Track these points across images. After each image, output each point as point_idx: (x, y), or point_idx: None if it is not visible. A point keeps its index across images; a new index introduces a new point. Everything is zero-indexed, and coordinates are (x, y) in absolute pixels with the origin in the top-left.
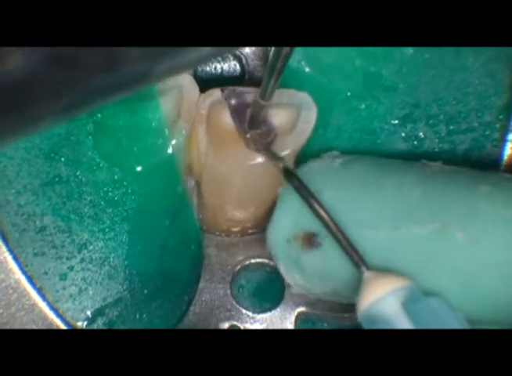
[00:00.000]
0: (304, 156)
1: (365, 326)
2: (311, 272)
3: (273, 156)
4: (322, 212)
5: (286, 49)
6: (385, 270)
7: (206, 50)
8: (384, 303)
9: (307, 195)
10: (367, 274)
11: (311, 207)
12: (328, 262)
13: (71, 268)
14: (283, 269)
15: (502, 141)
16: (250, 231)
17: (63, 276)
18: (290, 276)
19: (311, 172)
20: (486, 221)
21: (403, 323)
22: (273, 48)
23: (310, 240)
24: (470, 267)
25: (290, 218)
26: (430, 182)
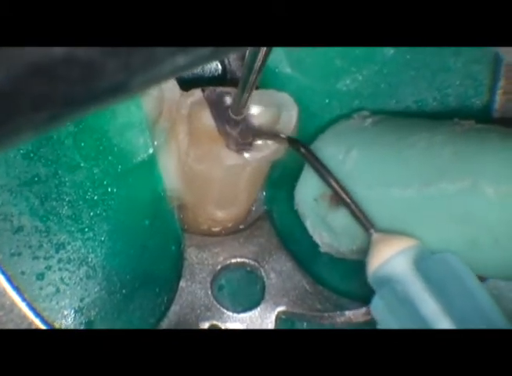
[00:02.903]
0: (284, 156)
1: (376, 288)
2: (338, 230)
3: (270, 135)
4: (328, 176)
5: (262, 53)
6: (410, 230)
7: (181, 60)
8: (393, 263)
9: (313, 160)
10: (376, 236)
11: (317, 171)
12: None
13: (49, 268)
14: (310, 228)
15: None
16: (230, 231)
17: (40, 276)
18: (317, 235)
19: (341, 131)
20: None
21: (414, 281)
22: (248, 53)
23: (338, 198)
24: (500, 223)
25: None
26: (461, 140)
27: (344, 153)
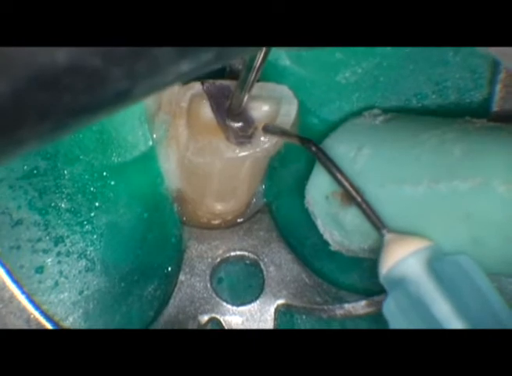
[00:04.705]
0: (284, 149)
1: (388, 289)
2: (349, 228)
3: (280, 132)
4: (339, 175)
5: (261, 52)
6: (420, 227)
7: (185, 67)
8: (406, 264)
9: (325, 160)
10: (388, 236)
11: (329, 170)
12: None
13: (48, 261)
14: (321, 226)
15: None
16: (230, 224)
17: (39, 270)
18: (328, 233)
19: (352, 130)
20: None
21: (427, 283)
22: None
23: (349, 196)
24: (511, 220)
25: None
26: (472, 138)
27: (355, 151)
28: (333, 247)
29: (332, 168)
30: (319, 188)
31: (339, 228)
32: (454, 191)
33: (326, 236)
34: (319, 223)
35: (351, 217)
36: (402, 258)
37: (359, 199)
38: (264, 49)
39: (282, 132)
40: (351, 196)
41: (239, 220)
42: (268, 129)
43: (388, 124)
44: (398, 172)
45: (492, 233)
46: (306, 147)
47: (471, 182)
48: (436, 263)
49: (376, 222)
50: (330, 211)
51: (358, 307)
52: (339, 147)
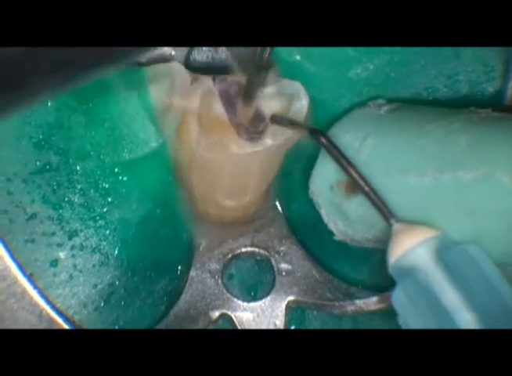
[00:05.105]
0: (296, 146)
1: (397, 279)
2: (354, 218)
3: (290, 123)
4: (349, 166)
5: None
6: (425, 217)
7: None
8: (415, 253)
9: (334, 150)
10: (397, 226)
11: (338, 161)
12: (371, 208)
13: (62, 255)
14: (325, 216)
15: None
16: (241, 220)
17: (54, 263)
18: (332, 223)
19: (357, 119)
20: None
21: (436, 272)
22: None
23: (353, 186)
24: None
25: (334, 164)
26: (477, 128)
27: (360, 141)
28: (338, 236)
29: (341, 158)
30: (324, 178)
31: (343, 218)
32: (458, 181)
33: (331, 226)
34: (323, 213)
35: (356, 206)
36: (411, 248)
37: (368, 189)
38: None
39: (290, 122)
40: (360, 186)
41: (250, 216)
42: (275, 119)
43: (393, 114)
44: (403, 162)
45: (496, 223)
46: (314, 137)
47: (475, 172)
48: (444, 252)
49: (385, 212)
50: (334, 201)
51: (370, 303)
52: (344, 137)
